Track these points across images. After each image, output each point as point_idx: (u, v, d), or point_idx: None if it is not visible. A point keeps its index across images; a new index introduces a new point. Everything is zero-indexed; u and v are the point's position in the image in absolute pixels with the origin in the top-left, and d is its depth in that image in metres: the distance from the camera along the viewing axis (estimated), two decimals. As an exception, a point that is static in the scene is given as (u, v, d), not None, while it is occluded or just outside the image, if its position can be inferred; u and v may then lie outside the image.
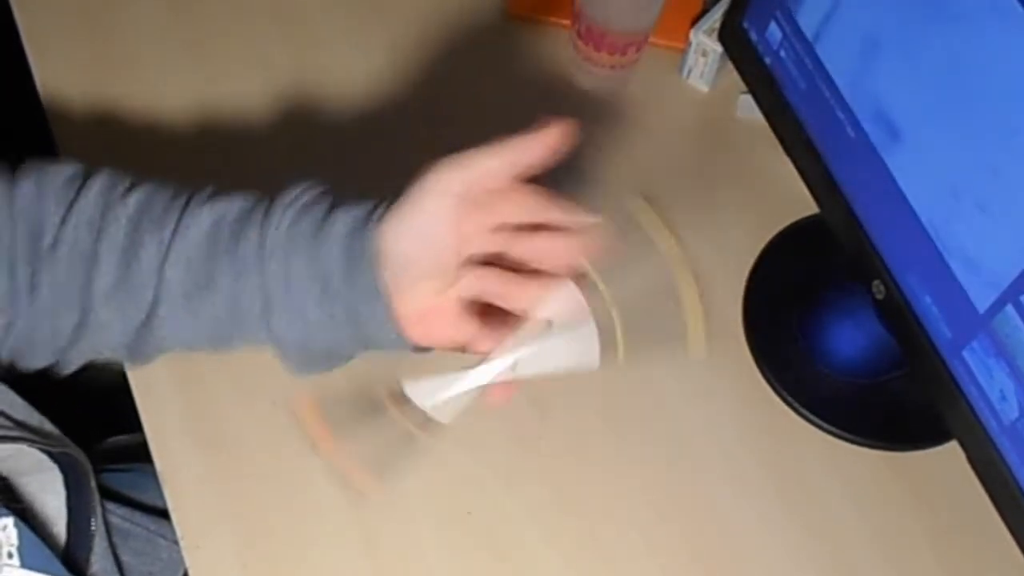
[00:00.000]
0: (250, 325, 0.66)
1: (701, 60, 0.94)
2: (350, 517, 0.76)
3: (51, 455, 0.75)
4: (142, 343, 0.68)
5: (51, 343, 0.68)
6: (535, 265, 0.63)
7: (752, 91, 0.84)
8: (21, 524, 0.71)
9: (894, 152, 0.68)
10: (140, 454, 0.80)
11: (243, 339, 0.67)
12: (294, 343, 0.65)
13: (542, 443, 0.80)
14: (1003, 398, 0.64)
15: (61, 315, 0.66)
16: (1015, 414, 0.64)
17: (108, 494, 0.82)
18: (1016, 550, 0.67)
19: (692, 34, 0.93)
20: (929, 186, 0.66)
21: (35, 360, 0.69)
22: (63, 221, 0.66)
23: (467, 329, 0.64)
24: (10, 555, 0.70)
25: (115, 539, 0.81)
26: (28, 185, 0.67)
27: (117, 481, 0.85)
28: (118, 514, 0.83)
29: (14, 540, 0.70)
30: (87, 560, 0.76)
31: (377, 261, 0.61)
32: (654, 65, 0.96)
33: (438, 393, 0.63)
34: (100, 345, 0.68)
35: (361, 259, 0.62)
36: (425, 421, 0.64)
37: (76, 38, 0.95)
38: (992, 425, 0.66)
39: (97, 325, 0.66)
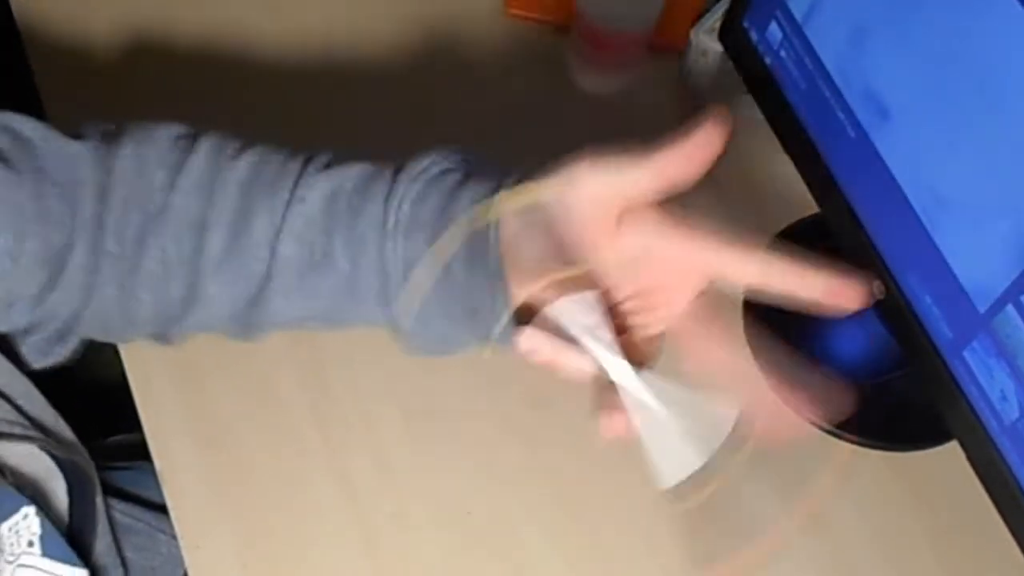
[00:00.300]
0: (367, 304, 0.62)
1: (701, 60, 0.94)
2: (350, 517, 0.76)
3: (59, 463, 0.74)
4: (252, 318, 0.64)
5: (159, 315, 0.64)
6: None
7: (752, 91, 0.84)
8: (42, 515, 0.71)
9: (893, 148, 0.68)
10: (143, 452, 0.79)
11: (359, 318, 0.63)
12: (409, 326, 0.62)
13: (542, 443, 0.80)
14: (1004, 398, 0.64)
15: (169, 287, 0.63)
16: (1016, 414, 0.64)
17: (111, 490, 0.82)
18: (1016, 550, 0.67)
19: (692, 34, 0.93)
20: (929, 185, 0.66)
21: (141, 330, 0.65)
22: (172, 186, 0.62)
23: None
24: (31, 543, 0.70)
25: (118, 535, 0.80)
26: (129, 148, 0.63)
27: (120, 478, 0.85)
28: (120, 510, 0.83)
29: (36, 529, 0.70)
30: (91, 553, 0.76)
31: (499, 249, 0.57)
32: (654, 65, 0.96)
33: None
34: (210, 319, 0.64)
35: (484, 245, 0.58)
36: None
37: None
38: (992, 425, 0.66)
39: (206, 298, 0.63)
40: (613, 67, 0.93)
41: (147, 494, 0.85)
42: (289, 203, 0.61)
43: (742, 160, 0.93)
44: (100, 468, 0.79)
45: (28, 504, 0.70)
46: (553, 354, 0.58)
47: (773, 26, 0.77)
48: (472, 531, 0.77)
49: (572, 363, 0.58)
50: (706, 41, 0.93)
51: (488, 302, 0.59)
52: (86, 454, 0.77)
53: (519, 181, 0.59)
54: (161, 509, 0.83)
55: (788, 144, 0.79)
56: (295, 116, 0.92)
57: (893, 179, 0.68)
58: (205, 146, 0.63)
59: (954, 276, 0.65)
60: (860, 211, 0.73)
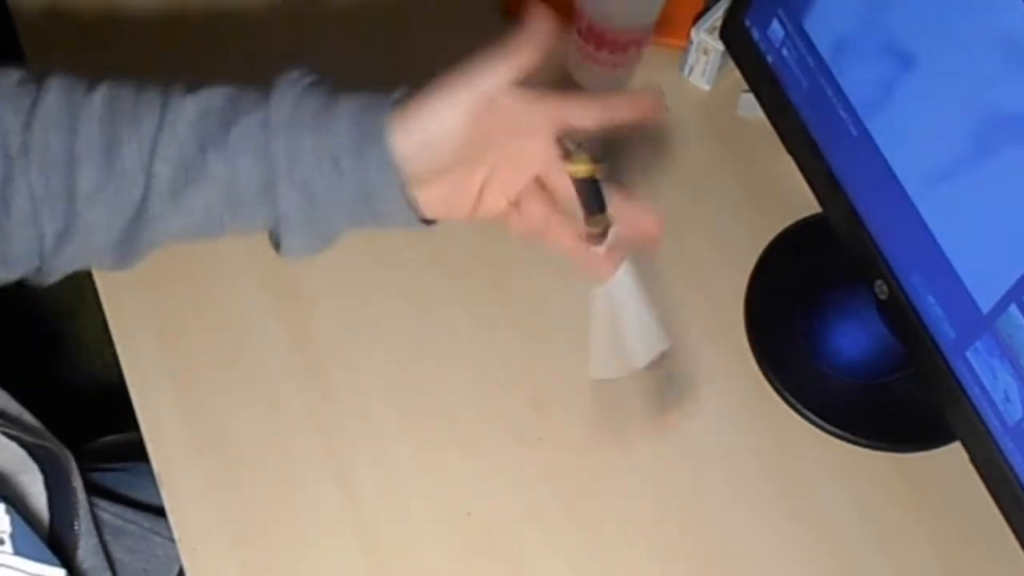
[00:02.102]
0: (247, 207, 0.64)
1: (702, 58, 0.94)
2: (349, 518, 0.76)
3: (31, 452, 0.73)
4: (131, 242, 0.66)
5: (34, 251, 0.65)
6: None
7: (754, 89, 0.83)
8: (13, 511, 0.70)
9: (895, 148, 0.68)
10: (133, 453, 0.79)
11: (238, 222, 0.66)
12: (296, 220, 0.64)
13: (542, 443, 0.80)
14: (1007, 399, 0.64)
15: (43, 222, 0.64)
16: (1019, 415, 0.63)
17: (101, 492, 0.82)
18: (1019, 551, 0.67)
19: (693, 32, 0.93)
20: (931, 184, 0.66)
21: (14, 270, 0.66)
22: (26, 126, 0.63)
23: (494, 207, 0.66)
24: (1, 541, 0.69)
25: (107, 536, 0.80)
26: None
27: (110, 479, 0.85)
28: (110, 511, 0.82)
29: (6, 527, 0.69)
30: (74, 556, 0.76)
31: (390, 134, 0.62)
32: (655, 64, 0.95)
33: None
34: (87, 249, 0.66)
35: (372, 133, 0.62)
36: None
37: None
38: (995, 426, 0.65)
39: (85, 228, 0.64)
40: (614, 66, 0.92)
41: (140, 496, 0.85)
42: (160, 128, 0.63)
43: (743, 159, 0.93)
44: (90, 469, 0.78)
45: None
46: (544, 222, 0.66)
47: (775, 24, 0.77)
48: (471, 532, 0.76)
49: (559, 233, 0.67)
50: (707, 39, 0.92)
51: (381, 179, 0.62)
52: (58, 442, 0.77)
53: (405, 96, 0.64)
54: (155, 511, 0.82)
55: (790, 143, 0.79)
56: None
57: (895, 178, 0.68)
58: (54, 85, 0.65)
59: (957, 276, 0.65)
60: (862, 210, 0.73)
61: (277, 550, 0.75)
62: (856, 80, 0.70)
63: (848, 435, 0.81)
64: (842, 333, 0.83)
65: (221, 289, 0.84)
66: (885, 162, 0.69)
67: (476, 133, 0.63)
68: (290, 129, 0.62)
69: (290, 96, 0.63)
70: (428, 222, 0.66)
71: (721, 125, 0.95)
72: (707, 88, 0.96)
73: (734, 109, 0.95)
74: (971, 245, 0.64)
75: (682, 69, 0.96)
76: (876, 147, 0.69)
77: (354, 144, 0.62)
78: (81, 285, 0.81)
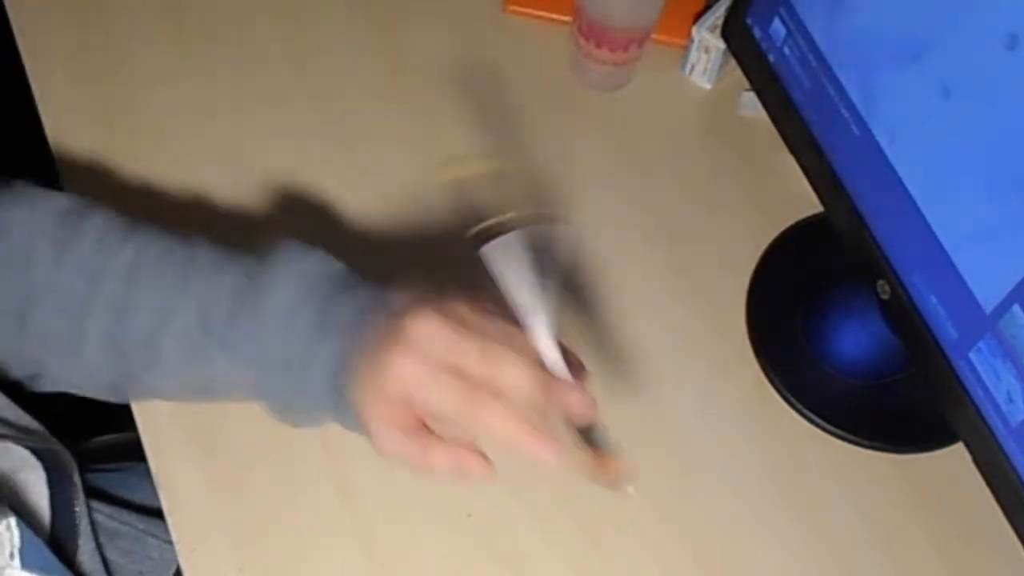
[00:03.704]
0: (239, 393, 0.69)
1: (703, 57, 0.94)
2: (348, 519, 0.76)
3: (35, 452, 0.74)
4: (126, 391, 0.70)
5: (32, 367, 0.68)
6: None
7: (755, 88, 0.83)
8: (22, 524, 0.70)
9: (898, 147, 0.67)
10: (128, 453, 0.79)
11: (229, 395, 0.70)
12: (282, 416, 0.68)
13: (542, 444, 0.79)
14: (1010, 400, 0.63)
15: (49, 349, 0.67)
16: (1022, 416, 0.63)
17: (94, 493, 0.81)
18: (1021, 552, 0.67)
19: (694, 30, 0.93)
20: (934, 183, 0.65)
21: (7, 375, 0.69)
22: (57, 261, 0.66)
23: (412, 446, 0.63)
24: (11, 555, 0.69)
25: (102, 539, 0.80)
26: (21, 213, 0.67)
27: (104, 480, 0.85)
28: (104, 513, 0.82)
29: (17, 541, 0.69)
30: (74, 558, 0.76)
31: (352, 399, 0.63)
32: (656, 62, 0.95)
33: None
34: (83, 382, 0.69)
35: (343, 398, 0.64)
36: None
37: (70, 37, 0.94)
38: (999, 427, 0.65)
39: (85, 366, 0.67)
40: (614, 64, 0.92)
41: (134, 497, 0.85)
42: (171, 309, 0.66)
43: (745, 158, 0.92)
44: (84, 470, 0.78)
45: (9, 515, 0.69)
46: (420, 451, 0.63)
47: (776, 23, 0.76)
48: (472, 533, 0.76)
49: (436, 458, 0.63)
50: (708, 38, 0.92)
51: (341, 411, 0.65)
52: (58, 443, 0.77)
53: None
54: (150, 512, 0.82)
55: (791, 142, 0.79)
56: (293, 115, 0.92)
57: (898, 177, 0.68)
58: (93, 226, 0.67)
59: (960, 276, 0.65)
60: (864, 210, 0.73)
61: (276, 551, 0.75)
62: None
63: (849, 436, 0.81)
64: (844, 333, 0.83)
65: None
66: (887, 161, 0.68)
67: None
68: (272, 367, 0.65)
69: (278, 322, 0.65)
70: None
71: (722, 124, 0.94)
72: (708, 87, 0.96)
73: (735, 108, 0.94)
74: (973, 245, 0.63)
75: (683, 68, 0.96)
76: (878, 146, 0.69)
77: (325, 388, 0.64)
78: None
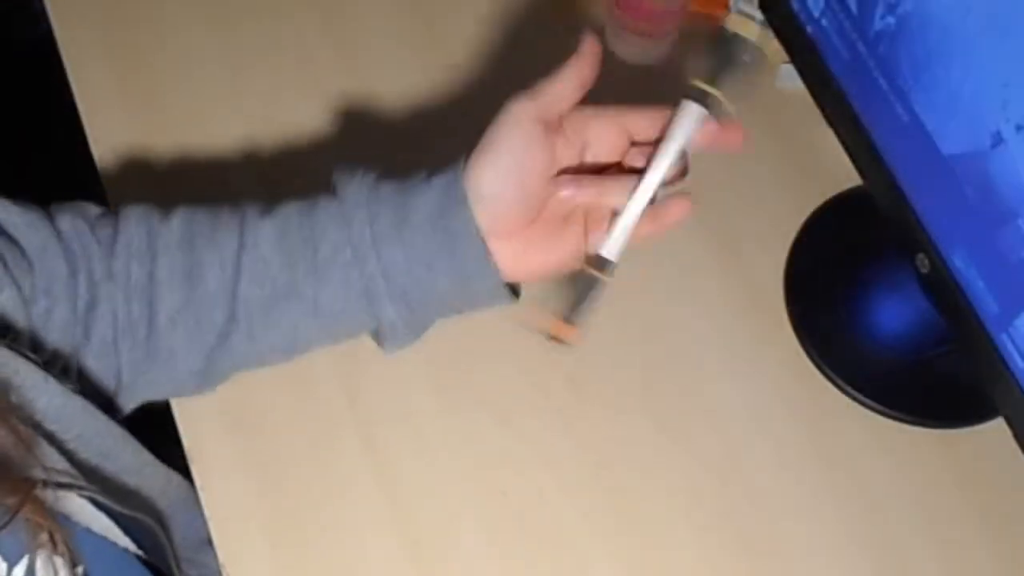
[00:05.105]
0: (341, 324, 0.67)
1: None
2: (383, 498, 0.76)
3: (118, 522, 0.67)
4: (214, 365, 0.68)
5: (108, 384, 0.67)
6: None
7: (793, 60, 0.82)
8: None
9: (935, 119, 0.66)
10: None
11: (326, 339, 0.68)
12: (399, 327, 0.67)
13: (578, 420, 0.79)
14: (1052, 375, 0.63)
15: (122, 351, 0.66)
16: (1064, 392, 0.62)
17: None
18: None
19: (731, 2, 0.91)
20: (975, 156, 0.64)
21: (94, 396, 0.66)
22: (111, 254, 0.66)
23: (564, 248, 0.65)
24: None
25: None
26: (68, 221, 0.67)
27: None
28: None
29: None
30: None
31: (472, 221, 0.63)
32: (693, 34, 0.94)
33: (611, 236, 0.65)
34: (167, 376, 0.68)
35: (456, 229, 0.63)
36: (601, 263, 0.65)
37: (106, 26, 0.94)
38: (1040, 402, 0.64)
39: (166, 353, 0.66)
40: (651, 35, 0.91)
41: None
42: (241, 247, 0.65)
43: (783, 131, 0.91)
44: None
45: (81, 561, 0.63)
46: (596, 192, 0.65)
47: (814, -7, 0.75)
48: (507, 511, 0.76)
49: (613, 195, 0.66)
50: (746, 9, 0.91)
51: (474, 267, 0.64)
52: (154, 507, 0.73)
53: (467, 158, 0.64)
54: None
55: (830, 114, 0.78)
56: (309, 102, 0.91)
57: (938, 150, 0.67)
58: (132, 216, 0.67)
59: (1000, 249, 0.64)
60: (904, 183, 0.72)
61: (309, 531, 0.75)
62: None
63: (889, 410, 0.80)
64: (883, 307, 0.82)
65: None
66: (927, 134, 0.67)
67: (548, 158, 0.64)
68: (378, 247, 0.64)
69: (363, 212, 0.64)
70: (516, 293, 0.68)
71: (760, 96, 0.93)
72: (746, 59, 0.95)
73: (773, 80, 0.93)
74: (1015, 216, 0.62)
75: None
76: (918, 119, 0.68)
77: (443, 246, 0.64)
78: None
